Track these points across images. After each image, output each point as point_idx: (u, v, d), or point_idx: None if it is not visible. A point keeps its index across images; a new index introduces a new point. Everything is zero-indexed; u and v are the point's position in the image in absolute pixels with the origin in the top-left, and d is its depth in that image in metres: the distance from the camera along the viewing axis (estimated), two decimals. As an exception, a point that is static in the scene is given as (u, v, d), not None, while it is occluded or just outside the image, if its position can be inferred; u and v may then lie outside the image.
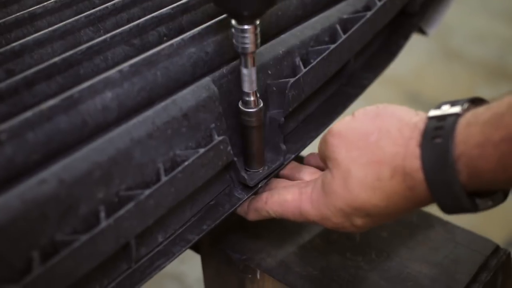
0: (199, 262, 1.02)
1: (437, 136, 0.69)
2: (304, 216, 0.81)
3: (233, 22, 0.77)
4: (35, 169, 0.69)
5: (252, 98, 0.81)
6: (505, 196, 0.72)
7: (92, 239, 0.68)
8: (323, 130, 0.95)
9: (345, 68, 1.01)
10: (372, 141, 0.74)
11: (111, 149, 0.72)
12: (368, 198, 0.74)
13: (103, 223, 0.69)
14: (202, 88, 0.81)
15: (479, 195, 0.70)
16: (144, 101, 0.78)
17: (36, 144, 0.69)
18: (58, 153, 0.71)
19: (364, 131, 0.75)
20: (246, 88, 0.81)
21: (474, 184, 0.68)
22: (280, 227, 0.97)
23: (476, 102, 0.72)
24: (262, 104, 0.82)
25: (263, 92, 0.87)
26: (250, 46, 0.77)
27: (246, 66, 0.79)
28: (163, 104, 0.77)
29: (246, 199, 0.85)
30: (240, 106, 0.82)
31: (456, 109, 0.70)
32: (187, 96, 0.79)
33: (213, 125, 0.81)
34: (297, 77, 0.87)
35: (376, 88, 1.07)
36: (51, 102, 0.71)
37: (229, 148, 0.81)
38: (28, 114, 0.69)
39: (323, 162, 0.81)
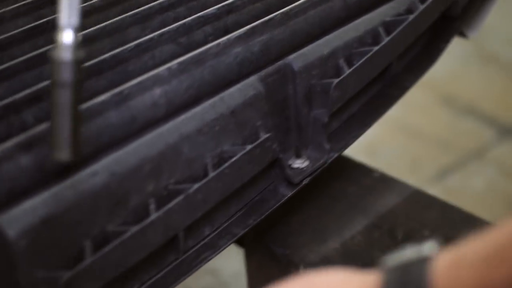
0: (234, 257, 1.02)
1: None
2: None
3: None
4: (87, 161, 0.69)
5: (69, 37, 0.58)
6: None
7: (142, 230, 0.68)
8: (366, 130, 0.94)
9: (388, 70, 1.00)
10: None
11: (161, 144, 0.72)
12: None
13: (153, 215, 0.69)
14: (249, 86, 0.81)
15: None
16: (191, 99, 0.78)
17: (88, 137, 0.70)
18: (109, 147, 0.71)
19: None
20: (64, 19, 0.57)
21: None
22: (322, 224, 0.97)
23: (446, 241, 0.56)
24: (82, 54, 0.59)
25: (307, 92, 0.86)
26: None
27: None
28: (211, 101, 0.77)
29: (291, 195, 0.85)
30: (50, 53, 0.58)
31: (424, 250, 0.53)
32: (234, 94, 0.79)
33: (259, 123, 0.81)
34: (341, 77, 0.87)
35: (412, 91, 1.06)
36: (102, 98, 0.71)
37: (274, 145, 0.80)
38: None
39: None
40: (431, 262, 0.51)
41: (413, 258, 0.52)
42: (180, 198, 0.71)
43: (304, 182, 0.85)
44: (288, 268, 0.93)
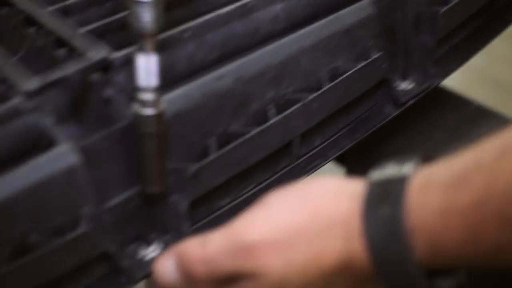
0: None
1: (382, 204, 0.54)
2: None
3: None
4: (212, 66, 0.73)
5: (151, 96, 0.63)
6: (469, 275, 0.57)
7: (262, 132, 0.72)
8: (469, 58, 0.97)
9: (492, 3, 1.02)
10: (308, 231, 0.57)
11: (282, 54, 0.76)
12: None
13: (273, 119, 0.73)
14: (362, 9, 0.84)
15: (440, 273, 0.55)
16: (309, 16, 0.82)
17: (214, 44, 0.74)
18: (232, 55, 0.75)
19: (295, 223, 0.57)
20: (144, 81, 0.62)
21: (436, 260, 0.53)
22: (421, 148, 1.00)
23: (427, 159, 0.58)
24: (165, 106, 0.64)
25: (416, 18, 0.89)
26: (149, 25, 0.60)
27: (143, 51, 0.61)
28: (327, 19, 0.81)
29: (395, 115, 0.88)
30: (135, 109, 0.64)
31: (404, 169, 0.56)
32: (350, 14, 0.82)
33: (370, 43, 0.84)
34: (448, 6, 0.89)
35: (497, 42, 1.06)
36: (228, 9, 0.75)
37: (384, 65, 0.84)
38: (208, 17, 0.74)
39: (226, 274, 0.60)
40: (408, 181, 0.54)
41: (394, 176, 0.55)
42: (297, 105, 0.75)
43: (409, 103, 0.89)
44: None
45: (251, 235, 0.58)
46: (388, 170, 0.56)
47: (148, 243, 0.70)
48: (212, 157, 0.70)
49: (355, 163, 1.02)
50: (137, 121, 0.64)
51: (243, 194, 0.76)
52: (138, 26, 0.60)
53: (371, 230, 0.54)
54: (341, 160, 1.05)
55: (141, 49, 0.61)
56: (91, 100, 0.67)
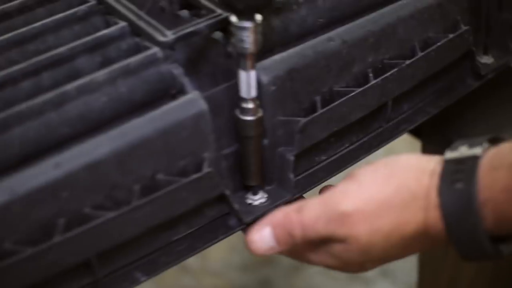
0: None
1: (457, 180, 0.62)
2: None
3: (233, 19, 0.68)
4: (320, 30, 0.78)
5: (250, 105, 0.71)
6: None
7: (363, 92, 0.77)
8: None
9: None
10: (394, 203, 0.65)
11: (382, 22, 0.80)
12: (387, 254, 0.68)
13: (373, 81, 0.78)
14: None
15: (502, 240, 0.63)
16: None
17: (323, 10, 0.79)
18: (338, 21, 0.80)
19: (383, 196, 0.66)
20: (245, 93, 0.70)
21: (500, 230, 0.62)
22: (496, 121, 1.03)
23: (496, 141, 0.65)
24: (261, 113, 0.72)
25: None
26: (249, 46, 0.68)
27: (245, 69, 0.69)
28: (422, -8, 0.86)
29: (476, 86, 0.93)
30: (237, 114, 0.72)
31: (475, 150, 0.63)
32: (442, -11, 0.87)
33: (459, 17, 0.89)
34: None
35: None
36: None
37: (470, 38, 0.88)
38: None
39: (321, 238, 0.69)
40: (479, 161, 0.62)
41: (467, 155, 0.63)
42: (393, 71, 0.80)
43: (489, 76, 0.93)
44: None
45: (345, 205, 0.66)
46: (461, 150, 0.64)
47: (255, 191, 0.75)
48: (318, 112, 0.75)
49: (430, 136, 1.06)
50: (239, 125, 0.72)
51: (338, 152, 0.81)
52: (240, 47, 0.68)
53: (446, 203, 0.63)
54: (417, 133, 1.09)
55: (243, 67, 0.69)
56: (214, 54, 0.72)
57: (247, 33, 0.67)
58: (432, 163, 0.66)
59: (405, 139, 1.22)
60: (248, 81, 0.70)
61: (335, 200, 0.67)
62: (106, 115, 0.67)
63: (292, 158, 0.74)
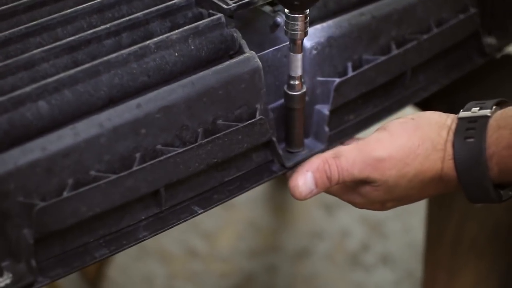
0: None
1: (469, 136, 0.72)
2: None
3: (285, 10, 0.75)
4: (352, 7, 0.88)
5: (297, 82, 0.79)
6: None
7: (387, 60, 0.87)
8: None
9: None
10: (419, 152, 0.74)
11: (405, 2, 0.89)
12: (407, 194, 0.77)
13: (395, 52, 0.88)
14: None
15: (502, 187, 0.74)
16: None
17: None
18: (369, 0, 0.89)
19: (410, 145, 0.75)
20: (293, 72, 0.78)
21: (501, 179, 0.72)
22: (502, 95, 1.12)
23: (502, 104, 0.75)
24: (305, 89, 0.80)
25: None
26: (299, 34, 0.76)
27: (294, 52, 0.77)
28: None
29: (482, 62, 1.02)
30: (285, 89, 0.80)
31: (485, 111, 0.73)
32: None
33: (468, 1, 0.98)
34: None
35: None
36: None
37: (478, 20, 0.97)
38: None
39: (355, 181, 0.78)
40: (489, 120, 0.72)
41: (478, 115, 0.73)
42: (413, 43, 0.89)
43: (497, 56, 1.03)
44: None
45: (378, 152, 0.75)
46: (474, 111, 0.74)
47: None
48: (350, 75, 0.84)
49: (439, 109, 1.14)
50: (286, 99, 0.81)
51: (364, 113, 0.90)
52: (291, 34, 0.76)
53: (459, 155, 0.73)
54: (427, 108, 1.17)
55: (292, 50, 0.77)
56: (265, 23, 0.82)
57: (298, 23, 0.75)
58: (450, 120, 0.75)
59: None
60: (296, 62, 0.78)
61: (370, 146, 0.76)
62: (177, 68, 0.76)
63: (327, 113, 0.83)
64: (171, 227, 0.76)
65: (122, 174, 0.70)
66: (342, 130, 0.88)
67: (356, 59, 0.86)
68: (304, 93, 0.80)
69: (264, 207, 1.87)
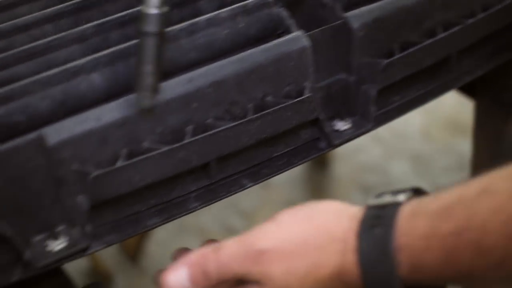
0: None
1: (376, 225, 0.59)
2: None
3: None
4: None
5: None
6: None
7: (433, 43, 0.85)
8: None
9: None
10: (311, 245, 0.61)
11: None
12: None
13: (440, 35, 0.86)
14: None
15: None
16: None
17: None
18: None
19: (301, 237, 0.62)
20: None
21: (414, 278, 0.58)
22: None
23: (419, 192, 0.62)
24: (168, 9, 0.65)
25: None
26: None
27: None
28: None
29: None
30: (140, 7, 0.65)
31: (398, 198, 0.61)
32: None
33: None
34: None
35: None
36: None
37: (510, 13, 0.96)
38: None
39: (236, 278, 0.64)
40: (400, 208, 0.59)
41: (388, 202, 0.60)
42: (458, 27, 0.88)
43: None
44: None
45: (262, 244, 0.62)
46: (384, 199, 0.61)
47: (342, 119, 0.84)
48: (397, 56, 0.83)
49: (484, 96, 1.13)
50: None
51: (408, 95, 0.89)
52: None
53: (363, 248, 0.58)
54: (472, 93, 1.16)
55: None
56: (313, 3, 0.81)
57: None
58: (353, 209, 0.63)
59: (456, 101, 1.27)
60: None
61: (252, 238, 0.63)
62: (227, 45, 0.76)
63: (374, 93, 0.82)
64: (221, 199, 0.76)
65: (175, 146, 0.70)
66: (387, 112, 0.88)
67: (402, 41, 0.85)
68: (167, 13, 0.64)
69: (301, 188, 1.87)
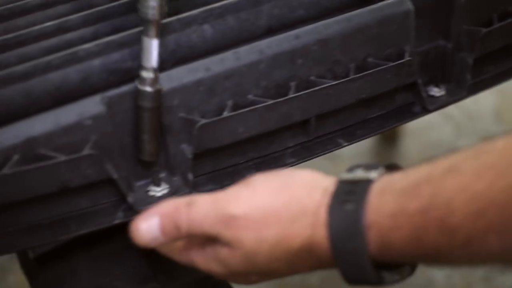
0: None
1: (347, 201, 0.57)
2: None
3: None
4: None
5: (151, 75, 0.66)
6: (412, 270, 0.60)
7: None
8: None
9: None
10: (283, 215, 0.60)
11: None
12: (272, 267, 0.62)
13: (496, 25, 0.84)
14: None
15: (386, 268, 0.58)
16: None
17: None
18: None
19: (273, 206, 0.60)
20: (146, 61, 0.66)
21: (384, 256, 0.56)
22: None
23: (392, 168, 0.61)
24: (160, 87, 0.67)
25: None
26: (153, 13, 0.64)
27: (148, 35, 0.65)
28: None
29: None
30: (136, 84, 0.67)
31: (370, 174, 0.58)
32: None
33: None
34: None
35: None
36: None
37: None
38: None
39: (207, 237, 0.63)
40: (371, 185, 0.57)
41: (361, 178, 0.58)
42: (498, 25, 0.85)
43: None
44: None
45: (234, 209, 0.60)
46: (357, 173, 0.59)
47: (437, 85, 0.84)
48: (495, 26, 0.82)
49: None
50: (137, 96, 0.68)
51: (503, 66, 0.88)
52: (142, 12, 0.65)
53: (334, 222, 0.57)
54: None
55: (145, 33, 0.66)
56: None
57: None
58: (326, 182, 0.61)
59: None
60: (149, 49, 0.66)
61: (225, 201, 0.62)
62: (333, 4, 0.77)
63: (471, 61, 0.82)
64: (317, 156, 0.77)
65: (279, 100, 0.71)
66: (481, 81, 0.87)
67: (502, 10, 0.85)
68: (159, 91, 0.67)
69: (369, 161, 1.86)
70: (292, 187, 0.61)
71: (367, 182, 0.57)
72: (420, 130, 1.85)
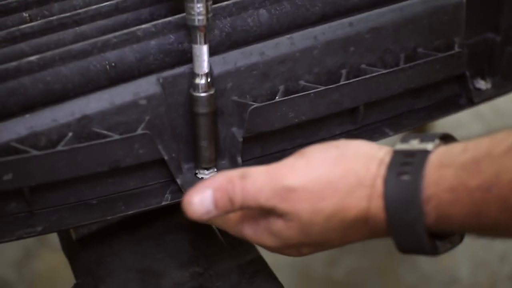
0: None
1: (404, 172, 0.56)
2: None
3: None
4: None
5: (202, 81, 0.67)
6: (461, 238, 0.60)
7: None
8: None
9: None
10: (340, 187, 0.59)
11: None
12: (326, 237, 0.61)
13: None
14: None
15: (439, 237, 0.58)
16: None
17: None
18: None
19: (330, 178, 0.59)
20: (198, 68, 0.66)
21: (439, 226, 0.56)
22: None
23: (446, 139, 0.59)
24: (214, 90, 0.68)
25: None
26: (200, 19, 0.64)
27: (196, 42, 0.65)
28: None
29: None
30: (190, 91, 0.68)
31: (426, 145, 0.57)
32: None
33: None
34: None
35: None
36: None
37: None
38: None
39: (261, 210, 0.61)
40: (429, 156, 0.56)
41: (417, 149, 0.57)
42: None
43: None
44: None
45: (290, 181, 0.59)
46: (412, 143, 0.58)
47: (483, 78, 0.83)
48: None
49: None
50: (191, 102, 0.69)
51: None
52: (188, 18, 0.64)
53: (391, 194, 0.56)
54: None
55: (194, 40, 0.67)
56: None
57: (198, 4, 0.64)
58: (382, 152, 0.59)
59: None
60: (200, 56, 0.66)
61: (281, 173, 0.60)
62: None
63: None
64: (364, 144, 0.76)
65: (330, 86, 0.70)
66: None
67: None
68: (213, 96, 0.68)
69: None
70: (348, 159, 0.59)
71: (424, 153, 0.56)
72: (450, 127, 1.84)
